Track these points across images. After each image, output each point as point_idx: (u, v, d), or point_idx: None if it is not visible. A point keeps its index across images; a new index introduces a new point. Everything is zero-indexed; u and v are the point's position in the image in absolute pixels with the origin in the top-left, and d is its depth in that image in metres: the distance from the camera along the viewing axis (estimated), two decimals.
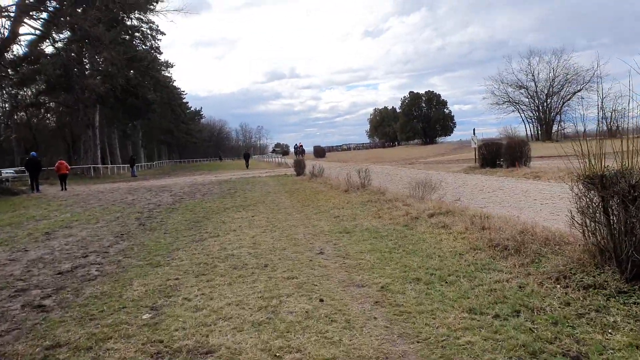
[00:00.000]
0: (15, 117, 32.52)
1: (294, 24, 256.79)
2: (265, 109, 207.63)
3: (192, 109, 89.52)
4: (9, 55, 26.18)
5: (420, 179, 10.84)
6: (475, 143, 22.30)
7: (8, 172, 26.78)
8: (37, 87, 33.41)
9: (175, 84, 65.69)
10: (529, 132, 65.39)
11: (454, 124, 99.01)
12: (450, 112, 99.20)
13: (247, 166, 40.79)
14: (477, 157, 20.25)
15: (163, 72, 52.82)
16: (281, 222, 8.45)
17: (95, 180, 31.86)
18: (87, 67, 31.24)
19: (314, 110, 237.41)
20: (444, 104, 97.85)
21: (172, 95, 58.48)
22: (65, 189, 21.93)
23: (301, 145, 65.84)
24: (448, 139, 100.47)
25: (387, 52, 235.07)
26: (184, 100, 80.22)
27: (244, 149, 72.57)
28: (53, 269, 5.80)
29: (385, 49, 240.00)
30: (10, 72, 25.07)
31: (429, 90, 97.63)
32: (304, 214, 9.36)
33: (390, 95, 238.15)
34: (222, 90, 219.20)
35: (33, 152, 22.46)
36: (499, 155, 18.85)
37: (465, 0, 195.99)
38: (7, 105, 33.57)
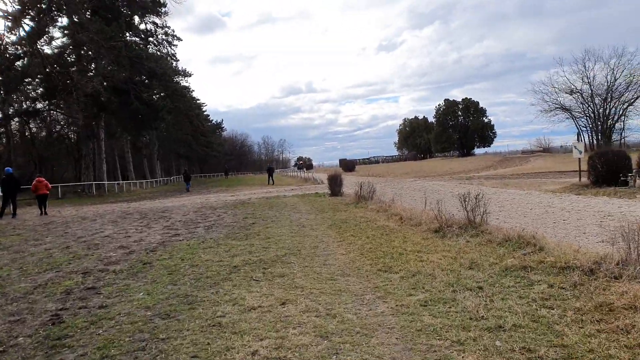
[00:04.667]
0: (8, 126, 28.66)
1: (307, 41, 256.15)
2: (285, 123, 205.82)
3: (213, 121, 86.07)
4: None
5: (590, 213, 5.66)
6: (581, 153, 16.77)
7: None
8: (35, 92, 29.56)
9: (194, 94, 62.07)
10: (585, 142, 58.63)
11: (494, 133, 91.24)
12: (490, 121, 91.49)
13: (271, 182, 36.00)
14: (588, 171, 14.68)
15: (180, 81, 48.97)
16: (358, 343, 3.38)
17: (95, 200, 27.51)
18: (91, 70, 27.14)
19: (334, 124, 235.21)
20: (482, 112, 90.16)
21: (189, 106, 54.51)
22: (45, 213, 17.50)
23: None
24: (485, 150, 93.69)
25: (402, 65, 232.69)
26: (204, 112, 76.69)
27: (266, 163, 68.11)
28: None
29: (400, 62, 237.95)
30: None
31: (466, 98, 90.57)
32: (400, 305, 4.24)
33: (410, 107, 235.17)
34: (242, 106, 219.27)
35: (8, 168, 18.08)
36: (622, 168, 13.37)
37: (479, 14, 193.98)
38: None
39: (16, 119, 39.36)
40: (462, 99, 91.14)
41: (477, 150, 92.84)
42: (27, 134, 40.71)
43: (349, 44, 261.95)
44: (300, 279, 5.38)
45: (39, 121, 36.81)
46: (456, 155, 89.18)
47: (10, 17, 19.35)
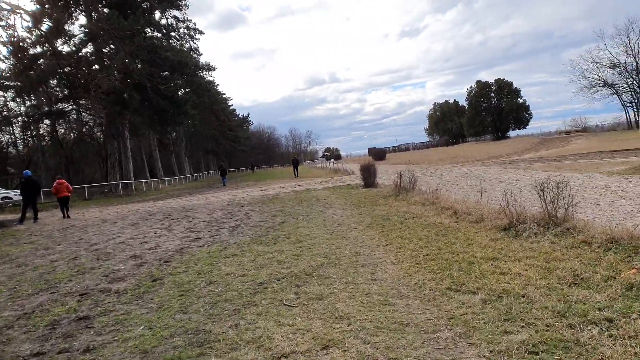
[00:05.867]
0: (32, 129, 28.44)
1: (328, 31, 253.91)
2: (311, 115, 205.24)
3: (239, 116, 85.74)
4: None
5: None
6: None
7: (13, 193, 22.59)
8: (62, 93, 29.25)
9: (218, 89, 61.46)
10: (631, 119, 54.91)
11: (530, 114, 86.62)
12: (525, 101, 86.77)
13: (296, 174, 35.96)
14: None
15: (204, 75, 48.28)
16: None
17: (122, 200, 27.05)
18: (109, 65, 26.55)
19: (360, 113, 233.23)
20: (516, 93, 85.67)
21: (215, 100, 53.87)
22: (68, 216, 16.86)
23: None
24: (517, 132, 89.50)
25: (426, 50, 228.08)
26: (230, 107, 76.25)
27: (292, 155, 67.20)
28: None
29: (424, 47, 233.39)
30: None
31: (498, 79, 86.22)
32: (498, 351, 2.91)
33: (437, 92, 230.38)
34: (266, 99, 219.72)
35: (27, 171, 17.55)
36: None
37: None
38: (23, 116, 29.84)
39: (47, 122, 39.70)
40: (495, 80, 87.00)
41: (510, 133, 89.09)
42: (57, 136, 40.98)
43: (371, 32, 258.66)
44: (344, 304, 4.09)
45: (66, 122, 36.79)
46: (489, 139, 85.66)
47: (29, 16, 18.66)
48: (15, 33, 20.52)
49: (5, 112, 38.30)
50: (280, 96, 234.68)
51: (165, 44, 28.98)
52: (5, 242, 11.16)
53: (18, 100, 34.80)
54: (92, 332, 4.08)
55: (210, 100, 49.71)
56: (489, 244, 5.62)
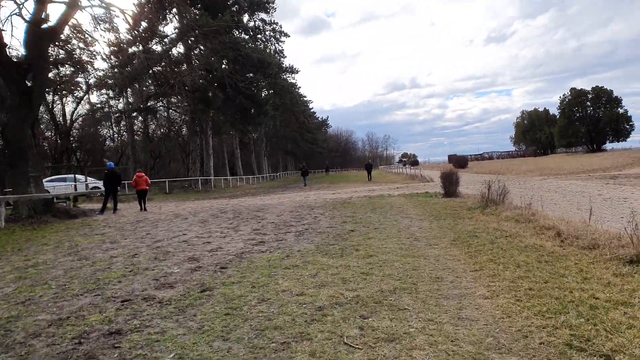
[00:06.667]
0: (126, 124, 30.39)
1: (411, 36, 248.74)
2: (390, 119, 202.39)
3: (318, 118, 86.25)
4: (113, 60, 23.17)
5: None
6: None
7: (96, 183, 24.22)
8: (150, 91, 30.92)
9: (300, 91, 62.05)
10: None
11: (631, 126, 77.79)
12: (626, 111, 78.08)
13: (370, 178, 35.62)
14: None
15: (287, 77, 48.79)
16: None
17: (200, 195, 27.80)
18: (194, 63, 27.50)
19: (440, 119, 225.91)
20: (617, 102, 77.55)
21: (295, 102, 54.35)
22: (145, 209, 17.35)
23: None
24: (612, 145, 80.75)
25: (514, 56, 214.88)
26: (311, 109, 76.84)
27: (366, 160, 66.16)
28: None
29: (511, 53, 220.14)
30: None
31: (596, 86, 78.36)
32: None
33: (525, 100, 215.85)
34: (346, 104, 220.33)
35: (110, 163, 18.38)
36: None
37: None
38: (117, 113, 31.95)
39: (140, 118, 42.57)
40: (592, 88, 79.16)
41: (606, 146, 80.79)
42: (148, 131, 43.79)
43: (455, 37, 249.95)
44: (422, 352, 3.10)
45: (156, 119, 39.02)
46: (582, 150, 78.15)
47: (125, 16, 19.71)
48: (117, 35, 21.84)
49: (106, 108, 41.83)
50: (360, 100, 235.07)
51: (250, 45, 29.50)
52: (80, 232, 11.46)
53: (116, 96, 37.52)
54: (116, 355, 3.47)
55: (292, 102, 50.17)
56: (614, 281, 4.28)
